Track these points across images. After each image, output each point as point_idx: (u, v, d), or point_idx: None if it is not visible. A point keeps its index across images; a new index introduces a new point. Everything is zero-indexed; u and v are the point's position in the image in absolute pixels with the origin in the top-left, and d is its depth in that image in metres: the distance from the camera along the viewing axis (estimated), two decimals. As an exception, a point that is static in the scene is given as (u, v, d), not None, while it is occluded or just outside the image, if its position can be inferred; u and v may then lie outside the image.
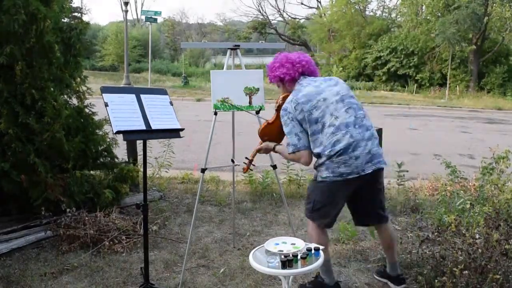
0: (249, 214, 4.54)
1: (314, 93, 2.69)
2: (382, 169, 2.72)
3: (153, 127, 2.54)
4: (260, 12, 36.78)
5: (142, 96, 2.62)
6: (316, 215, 2.81)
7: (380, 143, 4.73)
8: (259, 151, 3.00)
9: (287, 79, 2.84)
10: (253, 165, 3.11)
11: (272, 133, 2.93)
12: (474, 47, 21.90)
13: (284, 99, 2.82)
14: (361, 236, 3.89)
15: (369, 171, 2.61)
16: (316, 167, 2.75)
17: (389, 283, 3.04)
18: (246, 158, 3.08)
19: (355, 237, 3.77)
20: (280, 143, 2.94)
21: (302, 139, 2.67)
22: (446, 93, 20.72)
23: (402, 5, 26.91)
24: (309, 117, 2.64)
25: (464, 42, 21.44)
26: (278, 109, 2.83)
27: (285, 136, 2.82)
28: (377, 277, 3.16)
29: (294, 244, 2.58)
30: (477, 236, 3.10)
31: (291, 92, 2.78)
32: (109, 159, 4.37)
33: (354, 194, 2.77)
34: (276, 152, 2.92)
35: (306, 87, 2.74)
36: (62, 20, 4.07)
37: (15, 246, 3.48)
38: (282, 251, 2.48)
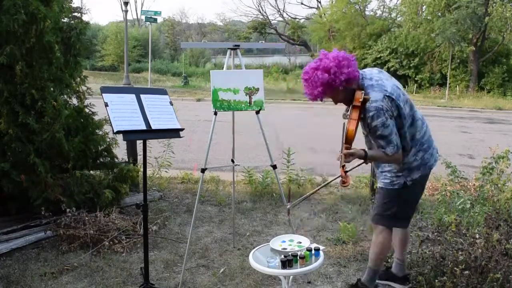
0: (249, 214, 4.54)
1: (393, 84, 2.51)
2: None
3: (153, 127, 2.54)
4: (260, 12, 36.81)
5: (142, 96, 2.62)
6: (398, 217, 2.77)
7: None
8: (352, 155, 2.45)
9: (357, 77, 2.48)
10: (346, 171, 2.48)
11: (354, 134, 2.48)
12: (473, 47, 21.89)
13: (360, 92, 2.46)
14: (361, 236, 3.89)
15: (436, 162, 2.76)
16: (402, 170, 2.62)
17: (392, 283, 3.01)
18: (344, 170, 2.44)
19: (355, 237, 3.77)
20: (363, 149, 2.57)
21: (398, 137, 2.50)
22: (446, 93, 20.71)
23: (402, 5, 26.90)
24: (398, 113, 2.47)
25: (464, 42, 21.43)
26: (361, 106, 2.45)
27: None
28: (379, 281, 3.09)
29: (300, 242, 2.59)
30: (477, 236, 3.10)
31: (357, 88, 2.48)
32: (109, 159, 4.38)
33: None
34: (370, 160, 2.58)
35: (380, 81, 2.49)
36: (62, 20, 4.06)
37: (15, 246, 3.48)
38: (286, 249, 2.49)
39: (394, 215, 2.73)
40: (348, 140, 2.46)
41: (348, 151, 2.43)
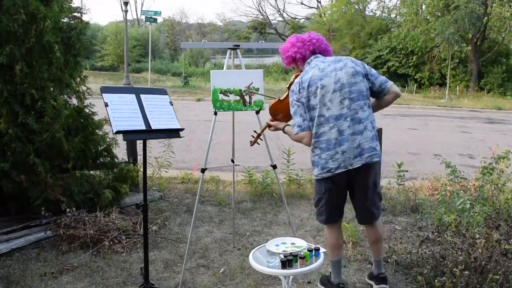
0: (249, 214, 4.54)
1: (316, 78, 2.63)
2: (374, 163, 2.62)
3: (153, 127, 2.54)
4: (260, 12, 36.83)
5: (142, 96, 2.62)
6: (317, 212, 2.86)
7: (380, 143, 4.76)
8: (269, 126, 2.95)
9: (298, 58, 2.79)
10: (261, 139, 3.16)
11: (281, 110, 2.88)
12: (469, 48, 21.91)
13: (296, 78, 2.80)
14: (361, 236, 3.89)
15: (358, 165, 2.56)
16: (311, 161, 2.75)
17: (374, 285, 2.96)
18: (255, 131, 3.15)
19: (355, 237, 3.77)
20: (289, 124, 2.86)
21: (307, 120, 2.65)
22: (446, 93, 20.71)
23: (402, 5, 26.90)
24: (307, 103, 2.63)
25: (463, 42, 21.43)
26: (289, 87, 2.81)
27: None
28: (366, 280, 3.11)
29: (294, 243, 2.58)
30: (477, 236, 3.10)
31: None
32: (109, 159, 4.38)
33: (349, 189, 2.76)
34: (284, 132, 2.85)
35: (313, 69, 2.68)
36: (62, 20, 4.06)
37: (15, 246, 3.48)
38: (286, 251, 2.49)
39: (315, 205, 2.87)
40: (270, 112, 2.93)
41: (269, 122, 2.93)
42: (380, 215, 2.90)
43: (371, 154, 2.58)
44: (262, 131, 3.10)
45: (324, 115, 2.59)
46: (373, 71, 2.73)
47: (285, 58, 2.87)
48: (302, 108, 2.65)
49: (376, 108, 2.79)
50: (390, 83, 2.74)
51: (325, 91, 2.60)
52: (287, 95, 2.83)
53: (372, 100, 2.75)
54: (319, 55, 2.79)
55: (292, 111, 2.71)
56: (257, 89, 3.28)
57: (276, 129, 2.92)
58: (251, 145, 3.21)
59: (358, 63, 2.71)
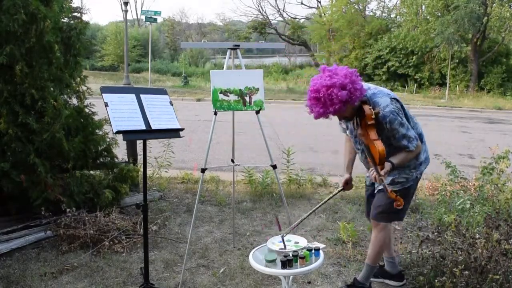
0: (249, 214, 4.54)
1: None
2: None
3: (153, 127, 2.54)
4: (260, 12, 36.80)
5: (142, 96, 2.62)
6: (399, 214, 2.87)
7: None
8: (387, 173, 2.54)
9: (364, 91, 2.51)
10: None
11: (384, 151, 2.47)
12: (469, 48, 21.92)
13: (368, 106, 2.48)
14: (361, 236, 3.89)
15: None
16: (414, 166, 2.73)
17: (387, 281, 3.04)
18: (391, 193, 2.49)
19: (355, 237, 3.77)
20: (390, 160, 2.57)
21: (412, 130, 2.63)
22: (446, 93, 20.71)
23: (402, 5, 26.91)
24: (405, 111, 2.64)
25: (463, 42, 21.44)
26: (374, 119, 2.47)
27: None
28: (373, 279, 3.10)
29: (298, 242, 2.59)
30: (477, 236, 3.10)
31: (361, 101, 2.51)
32: (109, 159, 4.37)
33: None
34: (398, 166, 2.60)
35: (375, 87, 2.61)
36: (62, 20, 4.06)
37: (15, 246, 3.48)
38: (283, 249, 2.49)
39: (398, 211, 2.77)
40: (382, 160, 2.46)
41: (385, 170, 2.48)
42: None
43: None
44: (391, 192, 2.48)
45: (411, 115, 2.72)
46: None
47: (355, 99, 2.41)
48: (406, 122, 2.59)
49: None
50: None
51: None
52: (377, 131, 2.50)
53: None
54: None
55: (404, 130, 2.51)
56: (257, 89, 3.28)
57: (390, 171, 2.57)
58: (400, 207, 2.53)
59: None
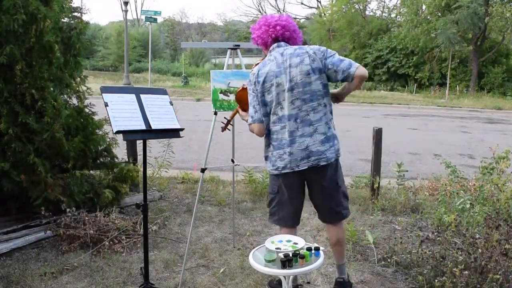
0: (249, 214, 4.54)
1: (272, 75, 2.54)
2: (325, 166, 2.56)
3: (153, 127, 2.54)
4: (260, 12, 36.89)
5: (142, 96, 2.62)
6: (269, 212, 2.80)
7: (380, 143, 4.76)
8: (237, 113, 2.95)
9: (260, 43, 2.68)
10: (231, 124, 3.26)
11: (246, 98, 2.75)
12: (471, 48, 21.93)
13: (257, 65, 2.70)
14: (360, 236, 3.89)
15: (304, 168, 2.52)
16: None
17: None
18: (225, 118, 3.18)
19: (354, 237, 3.77)
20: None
21: (258, 111, 2.58)
22: (446, 93, 20.72)
23: (402, 5, 26.92)
24: (262, 97, 2.58)
25: (464, 42, 21.45)
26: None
27: None
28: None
29: (297, 244, 2.58)
30: (477, 236, 3.10)
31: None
32: (109, 159, 4.37)
33: (309, 191, 2.70)
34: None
35: (271, 62, 2.58)
36: (62, 20, 4.06)
37: (15, 246, 3.48)
38: (280, 249, 2.49)
39: (268, 204, 2.84)
40: (236, 99, 2.94)
41: (238, 109, 2.91)
42: (348, 214, 2.81)
43: (318, 157, 2.52)
44: (232, 117, 3.12)
45: (277, 114, 2.55)
46: (336, 58, 2.50)
47: (252, 38, 2.75)
48: (256, 100, 2.59)
49: (347, 91, 2.67)
50: (354, 68, 2.45)
51: (280, 89, 2.53)
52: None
53: (345, 83, 2.64)
54: (282, 43, 2.63)
55: (249, 99, 2.65)
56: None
57: (244, 116, 2.82)
58: (222, 131, 3.23)
59: (318, 55, 2.53)
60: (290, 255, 2.35)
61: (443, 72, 23.67)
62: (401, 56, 25.57)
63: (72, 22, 4.15)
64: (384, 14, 30.77)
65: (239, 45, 3.39)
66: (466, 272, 2.65)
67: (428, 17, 24.20)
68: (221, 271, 3.27)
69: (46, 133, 3.62)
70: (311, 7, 44.59)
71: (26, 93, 3.57)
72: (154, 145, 5.10)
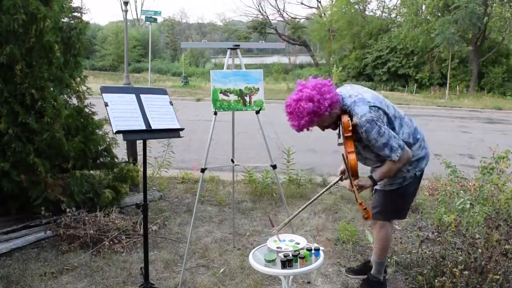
0: (249, 214, 4.54)
1: (372, 94, 2.61)
2: None
3: (153, 127, 2.54)
4: (260, 12, 36.84)
5: (142, 96, 2.62)
6: (402, 213, 2.94)
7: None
8: (362, 187, 2.60)
9: (337, 100, 2.50)
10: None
11: (356, 163, 2.51)
12: (471, 48, 21.93)
13: (346, 117, 2.49)
14: (361, 236, 3.89)
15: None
16: (411, 163, 2.65)
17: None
18: (360, 204, 2.57)
19: (355, 237, 3.77)
20: (371, 175, 2.65)
21: (399, 139, 2.52)
22: (446, 93, 20.72)
23: (402, 5, 26.92)
24: (389, 116, 2.55)
25: (463, 42, 21.45)
26: (352, 131, 2.48)
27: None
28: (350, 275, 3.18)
29: (298, 243, 2.58)
30: (477, 236, 3.10)
31: (341, 111, 2.53)
32: (109, 159, 4.37)
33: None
34: (380, 180, 2.65)
35: (359, 94, 2.55)
36: (62, 20, 4.06)
37: (15, 246, 3.48)
38: (281, 248, 2.49)
39: (400, 210, 2.87)
40: (354, 172, 2.51)
41: (359, 184, 2.54)
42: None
43: None
44: (362, 204, 2.55)
45: (403, 116, 2.67)
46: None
47: (323, 108, 2.43)
48: (390, 129, 2.50)
49: None
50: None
51: (387, 100, 2.64)
52: (354, 143, 2.52)
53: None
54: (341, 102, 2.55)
55: (384, 139, 2.45)
56: (257, 89, 3.27)
57: (369, 186, 2.63)
58: (367, 219, 2.75)
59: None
60: (290, 255, 2.36)
61: (443, 72, 23.65)
62: (401, 56, 25.56)
63: (72, 22, 4.15)
64: (384, 14, 30.76)
65: (239, 45, 3.39)
66: (466, 272, 2.65)
67: (428, 17, 24.19)
68: (221, 271, 3.27)
69: (46, 133, 3.62)
70: (311, 7, 44.55)
71: (26, 93, 3.58)
72: (154, 145, 5.10)
